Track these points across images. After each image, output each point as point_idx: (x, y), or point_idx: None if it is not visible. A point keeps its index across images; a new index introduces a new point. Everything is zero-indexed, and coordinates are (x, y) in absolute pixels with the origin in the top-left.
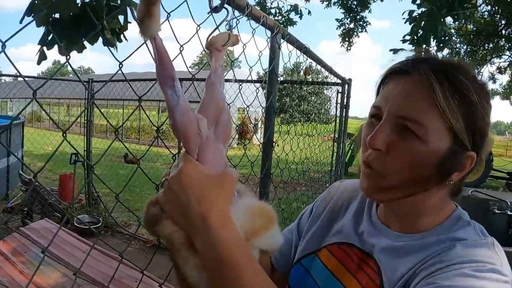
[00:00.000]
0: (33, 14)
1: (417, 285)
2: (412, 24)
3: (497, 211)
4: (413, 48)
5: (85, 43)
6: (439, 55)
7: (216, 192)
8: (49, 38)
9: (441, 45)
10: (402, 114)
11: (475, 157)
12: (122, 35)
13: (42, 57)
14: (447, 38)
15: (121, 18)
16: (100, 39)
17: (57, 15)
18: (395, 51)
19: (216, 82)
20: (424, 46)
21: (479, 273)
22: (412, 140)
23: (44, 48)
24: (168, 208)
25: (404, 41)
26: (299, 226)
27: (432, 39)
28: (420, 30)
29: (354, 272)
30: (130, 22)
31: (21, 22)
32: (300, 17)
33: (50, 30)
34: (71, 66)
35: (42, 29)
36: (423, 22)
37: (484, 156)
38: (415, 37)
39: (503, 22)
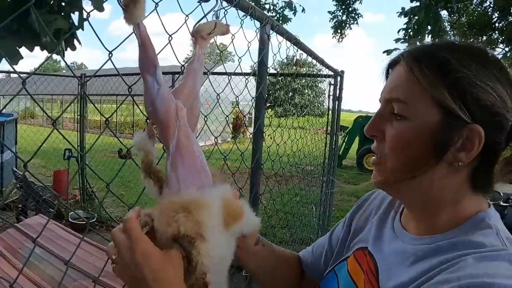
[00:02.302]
0: None
1: None
2: (408, 18)
3: (489, 202)
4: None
5: (22, 49)
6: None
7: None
8: None
9: (437, 40)
10: (387, 97)
11: (481, 131)
12: (75, 39)
13: None
14: (441, 34)
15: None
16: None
17: None
18: (388, 52)
19: (197, 70)
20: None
21: None
22: (400, 120)
23: None
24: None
25: (397, 40)
26: (332, 236)
27: (427, 34)
28: (415, 25)
29: (365, 275)
30: (86, 19)
31: None
32: (294, 13)
33: None
34: (64, 61)
35: None
36: (419, 16)
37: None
38: (410, 32)
39: (496, 15)
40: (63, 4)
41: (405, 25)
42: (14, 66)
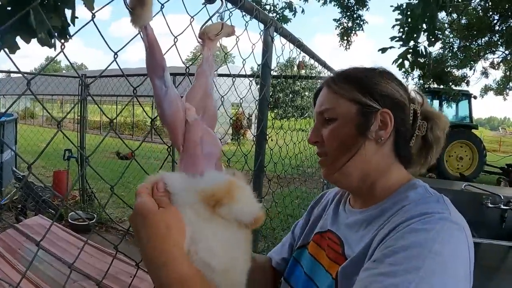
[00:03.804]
0: None
1: (375, 251)
2: (402, 14)
3: (490, 205)
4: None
5: (20, 41)
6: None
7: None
8: None
9: (433, 39)
10: (318, 110)
11: (389, 112)
12: (66, 34)
13: None
14: (439, 32)
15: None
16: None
17: None
18: (383, 50)
19: (206, 71)
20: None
21: (428, 224)
22: (331, 123)
23: None
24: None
25: (392, 38)
26: (294, 232)
27: (422, 33)
28: (408, 23)
29: (325, 249)
30: (77, 17)
31: None
32: (294, 14)
33: None
34: (67, 58)
35: None
36: (415, 12)
37: (430, 130)
38: (404, 30)
39: (496, 17)
40: (59, 3)
41: (399, 21)
42: (12, 66)
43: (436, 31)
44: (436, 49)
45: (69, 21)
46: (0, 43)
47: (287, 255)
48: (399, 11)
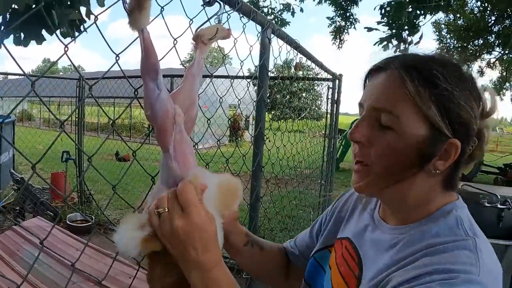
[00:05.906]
0: None
1: None
2: (381, 13)
3: (487, 205)
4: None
5: (45, 33)
6: (419, 50)
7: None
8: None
9: (413, 29)
10: (376, 106)
11: (459, 145)
12: (81, 27)
13: None
14: (418, 26)
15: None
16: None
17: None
18: (369, 29)
19: (196, 75)
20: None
21: (450, 287)
22: (388, 130)
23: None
24: (168, 243)
25: (379, 22)
26: (312, 229)
27: (399, 29)
28: (388, 19)
29: (339, 262)
30: (93, 13)
31: None
32: (293, 15)
33: (6, 19)
34: (70, 60)
35: None
36: (393, 13)
37: (478, 148)
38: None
39: (493, 18)
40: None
41: (381, 18)
42: (11, 70)
43: (415, 20)
44: (432, 49)
45: (84, 17)
46: (24, 36)
47: (302, 254)
48: (380, 11)
